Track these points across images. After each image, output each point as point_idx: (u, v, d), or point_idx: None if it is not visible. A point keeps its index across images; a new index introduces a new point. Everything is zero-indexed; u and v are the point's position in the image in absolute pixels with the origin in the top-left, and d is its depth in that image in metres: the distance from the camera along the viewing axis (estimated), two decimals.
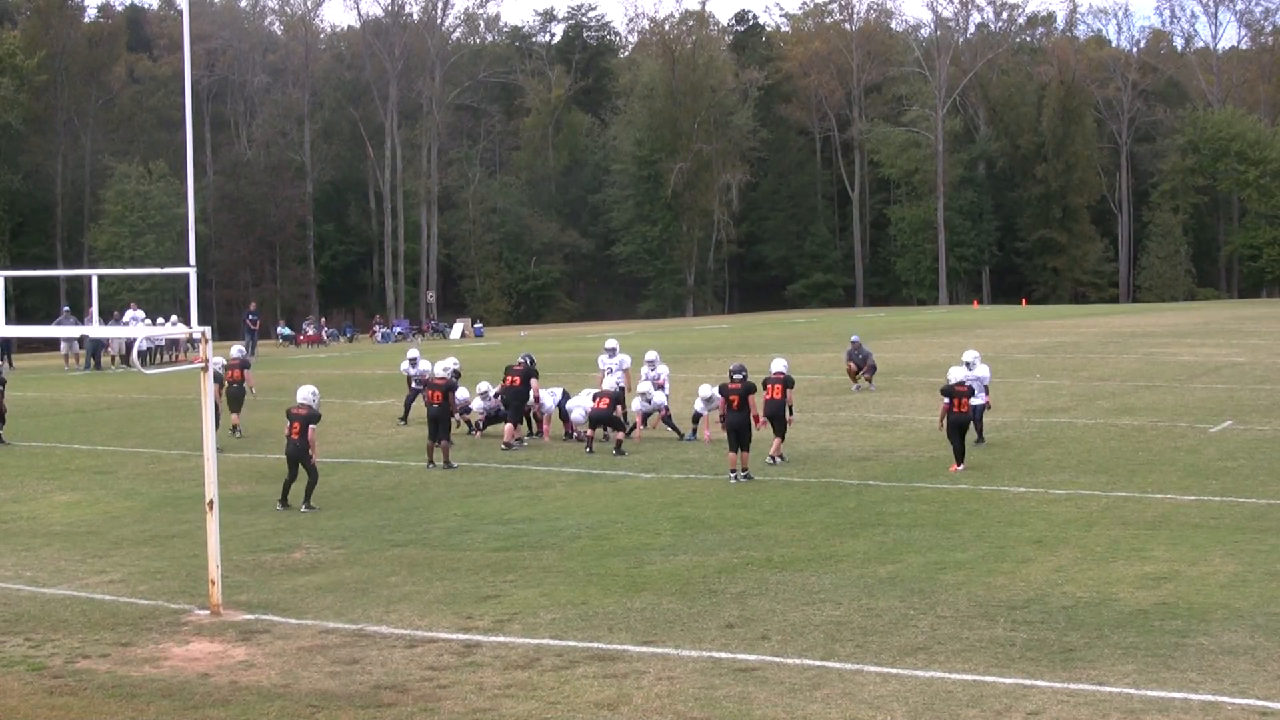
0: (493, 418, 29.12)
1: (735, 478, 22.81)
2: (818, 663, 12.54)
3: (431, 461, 25.16)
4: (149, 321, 54.05)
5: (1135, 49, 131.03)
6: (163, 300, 79.83)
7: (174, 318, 56.02)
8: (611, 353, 30.12)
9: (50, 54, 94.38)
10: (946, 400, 24.04)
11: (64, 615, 14.98)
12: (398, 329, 78.23)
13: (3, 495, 23.37)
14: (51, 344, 56.97)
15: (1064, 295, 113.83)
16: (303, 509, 21.10)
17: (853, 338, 38.12)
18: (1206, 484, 21.70)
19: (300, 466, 21.31)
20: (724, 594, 15.20)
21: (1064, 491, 21.24)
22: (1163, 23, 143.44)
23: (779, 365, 25.02)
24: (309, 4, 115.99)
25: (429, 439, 25.31)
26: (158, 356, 50.44)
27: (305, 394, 21.78)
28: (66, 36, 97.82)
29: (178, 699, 11.95)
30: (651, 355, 29.79)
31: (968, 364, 25.98)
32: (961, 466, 23.38)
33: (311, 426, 21.25)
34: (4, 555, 18.32)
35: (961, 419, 23.85)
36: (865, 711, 11.17)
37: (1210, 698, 11.34)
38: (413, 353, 32.96)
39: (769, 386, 24.39)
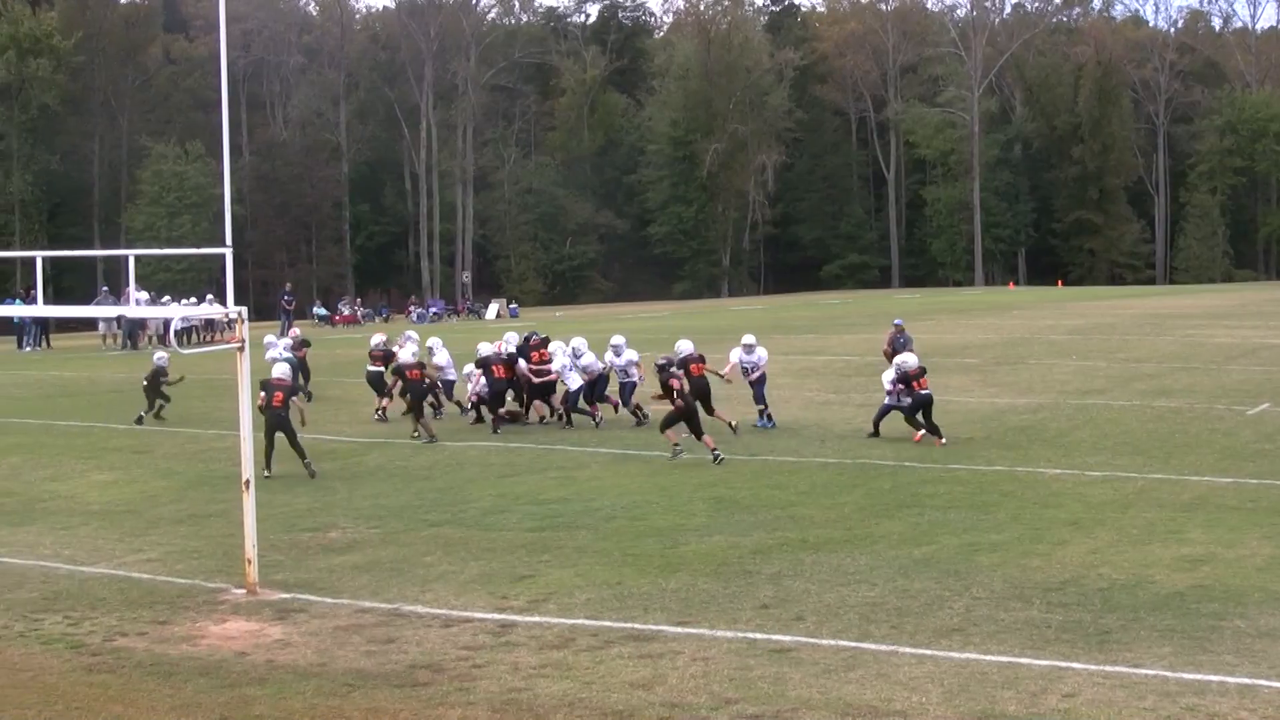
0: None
1: (714, 457, 22.85)
2: (853, 644, 12.51)
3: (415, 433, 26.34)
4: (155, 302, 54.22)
5: (1173, 29, 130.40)
6: (199, 280, 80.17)
7: (209, 297, 56.16)
8: (618, 350, 29.25)
9: (87, 35, 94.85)
10: (901, 385, 24.76)
11: (102, 594, 15.06)
12: (433, 309, 78.46)
13: (41, 474, 23.54)
14: (89, 324, 57.35)
15: (1100, 277, 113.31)
16: (312, 472, 22.04)
17: (895, 320, 37.76)
18: (1243, 466, 21.56)
19: (281, 434, 22.02)
20: (759, 575, 15.18)
21: (1100, 473, 21.13)
22: (1200, 2, 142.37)
23: (686, 346, 25.58)
24: None
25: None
26: (192, 336, 50.68)
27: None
28: (103, 18, 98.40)
29: (214, 677, 12.02)
30: (617, 340, 28.73)
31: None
32: (943, 440, 23.84)
33: (293, 399, 22.40)
34: (42, 534, 18.45)
35: (924, 398, 24.45)
36: (900, 693, 11.14)
37: (1247, 680, 11.26)
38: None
39: (693, 366, 24.82)
